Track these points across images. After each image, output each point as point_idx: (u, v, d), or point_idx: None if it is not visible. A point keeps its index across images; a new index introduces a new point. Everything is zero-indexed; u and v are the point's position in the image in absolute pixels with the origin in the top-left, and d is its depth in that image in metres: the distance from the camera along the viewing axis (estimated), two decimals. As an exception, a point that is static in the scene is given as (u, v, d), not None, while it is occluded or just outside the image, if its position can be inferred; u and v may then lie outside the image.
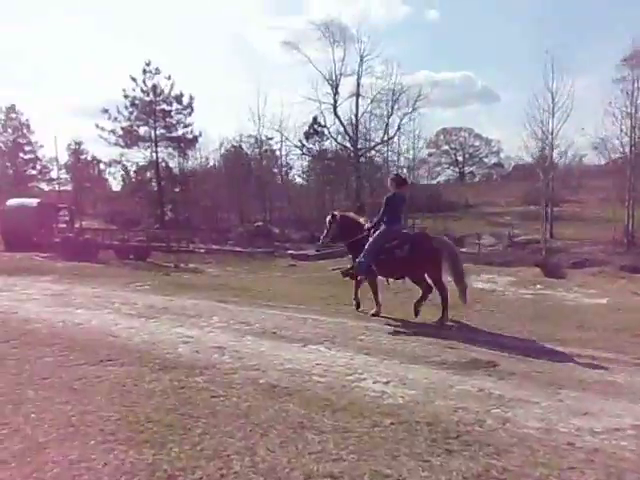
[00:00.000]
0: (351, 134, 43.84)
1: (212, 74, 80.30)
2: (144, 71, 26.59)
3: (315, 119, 43.35)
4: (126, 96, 26.30)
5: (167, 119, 26.96)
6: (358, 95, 43.95)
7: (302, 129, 42.78)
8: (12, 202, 18.23)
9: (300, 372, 4.67)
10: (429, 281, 7.32)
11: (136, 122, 26.96)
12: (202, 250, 17.24)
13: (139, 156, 27.38)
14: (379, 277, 7.83)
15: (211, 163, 43.44)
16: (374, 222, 7.80)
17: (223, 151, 44.39)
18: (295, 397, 4.02)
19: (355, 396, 4.08)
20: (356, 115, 43.50)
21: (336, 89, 43.82)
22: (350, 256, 8.45)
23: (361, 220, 8.29)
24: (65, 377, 4.47)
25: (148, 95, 26.93)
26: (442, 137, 64.46)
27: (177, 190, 28.37)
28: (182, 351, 5.33)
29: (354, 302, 7.92)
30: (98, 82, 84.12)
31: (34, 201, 18.80)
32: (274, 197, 46.88)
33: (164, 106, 27.19)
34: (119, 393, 4.09)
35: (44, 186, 56.02)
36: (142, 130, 27.11)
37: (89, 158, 58.98)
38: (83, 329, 6.21)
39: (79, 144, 57.81)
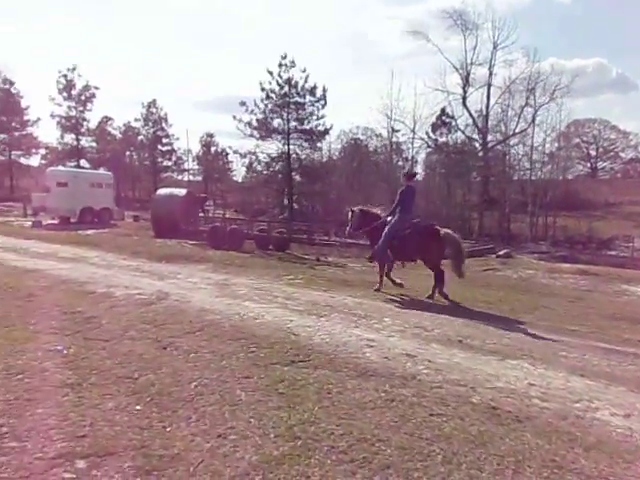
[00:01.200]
0: (480, 126, 42.06)
1: (327, 66, 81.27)
2: (280, 64, 27.19)
3: (443, 110, 42.06)
4: (262, 89, 27.07)
5: (300, 111, 27.32)
6: (490, 85, 42.10)
7: (428, 121, 41.58)
8: (162, 191, 19.40)
9: (515, 393, 4.19)
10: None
11: (270, 114, 27.62)
12: (337, 243, 17.10)
13: (272, 148, 28.08)
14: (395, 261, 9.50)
15: (334, 156, 43.97)
16: (389, 212, 9.22)
17: (342, 144, 44.67)
18: (527, 425, 3.57)
19: (599, 432, 3.53)
20: (487, 106, 41.62)
21: (466, 79, 42.34)
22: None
23: (378, 211, 9.77)
24: (265, 378, 4.35)
25: (282, 88, 27.44)
26: (573, 129, 59.76)
27: (304, 181, 28.70)
28: (370, 356, 5.04)
29: (392, 283, 9.27)
30: (221, 79, 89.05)
31: (183, 191, 19.82)
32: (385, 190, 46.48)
33: (297, 98, 27.56)
34: (329, 402, 3.88)
35: (178, 176, 59.94)
36: (276, 122, 27.75)
37: (219, 150, 62.28)
38: (261, 324, 6.15)
39: (211, 136, 61.16)
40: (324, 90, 27.18)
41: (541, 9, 74.00)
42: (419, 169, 43.55)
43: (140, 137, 56.94)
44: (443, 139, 42.94)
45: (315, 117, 27.36)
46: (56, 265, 10.32)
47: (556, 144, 42.61)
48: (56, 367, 4.41)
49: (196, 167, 62.10)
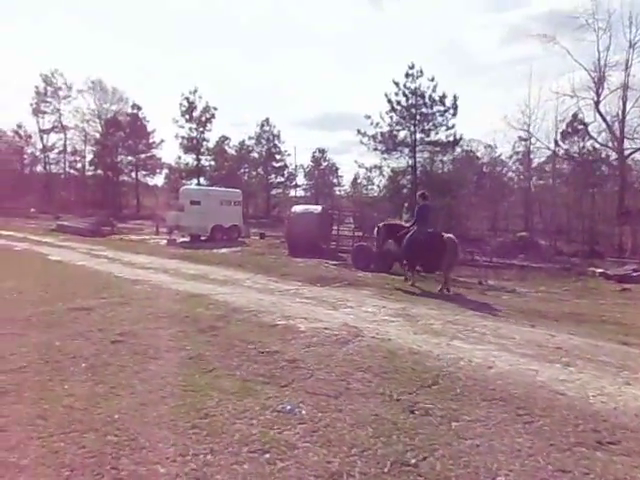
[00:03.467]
0: (616, 132, 38.27)
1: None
2: (407, 74, 26.06)
3: (575, 116, 38.80)
4: (389, 100, 26.05)
5: (428, 122, 25.98)
6: (626, 87, 38.28)
7: (553, 128, 38.60)
8: (297, 208, 18.84)
9: None
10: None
11: (396, 127, 26.54)
12: (487, 263, 15.50)
13: (401, 161, 26.97)
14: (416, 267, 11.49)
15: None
16: (410, 224, 11.37)
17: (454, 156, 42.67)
18: None
19: None
20: (623, 110, 37.82)
21: (600, 82, 38.76)
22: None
23: (402, 222, 12.27)
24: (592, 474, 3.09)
25: (408, 99, 26.30)
26: None
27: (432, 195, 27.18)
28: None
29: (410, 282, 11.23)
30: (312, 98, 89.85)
31: (318, 207, 19.19)
32: (511, 204, 43.57)
33: (424, 109, 26.25)
34: None
35: (289, 192, 60.71)
36: (402, 134, 26.61)
37: (329, 165, 62.42)
38: (502, 376, 4.92)
39: (322, 152, 61.42)
40: (455, 98, 25.67)
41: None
42: (550, 180, 40.43)
43: (253, 154, 58.39)
44: (574, 148, 39.71)
45: (445, 127, 25.89)
46: (215, 289, 9.75)
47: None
48: (302, 440, 3.44)
49: (307, 182, 62.61)
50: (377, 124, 26.28)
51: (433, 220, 12.37)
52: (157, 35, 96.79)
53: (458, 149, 29.19)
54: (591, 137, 39.80)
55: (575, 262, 19.47)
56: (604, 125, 39.49)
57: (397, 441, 3.48)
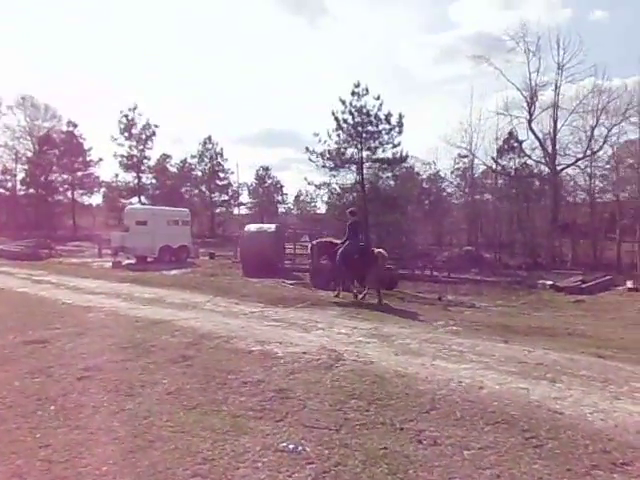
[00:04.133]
0: (548, 149, 40.20)
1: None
2: (352, 92, 26.27)
3: (510, 134, 40.49)
4: (336, 118, 26.13)
5: (374, 140, 26.25)
6: (556, 107, 40.34)
7: (490, 146, 40.31)
8: (251, 227, 18.45)
9: None
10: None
11: (343, 145, 26.65)
12: (443, 279, 15.69)
13: (349, 178, 27.09)
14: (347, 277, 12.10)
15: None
16: (342, 240, 11.98)
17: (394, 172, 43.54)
18: None
19: None
20: (554, 129, 39.79)
21: (532, 101, 40.62)
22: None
23: (334, 240, 12.75)
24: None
25: (354, 117, 26.52)
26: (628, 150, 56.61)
27: (380, 211, 27.41)
28: None
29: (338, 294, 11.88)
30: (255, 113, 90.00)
31: (272, 226, 18.89)
32: (454, 219, 44.90)
33: (370, 127, 26.53)
34: None
35: (234, 210, 59.98)
36: (349, 152, 26.73)
37: (273, 182, 62.16)
38: (494, 396, 4.84)
39: (266, 169, 61.14)
40: (400, 117, 26.05)
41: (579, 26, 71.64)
42: (488, 195, 41.87)
43: (196, 172, 57.39)
44: (511, 164, 41.36)
45: (391, 145, 26.19)
46: (176, 313, 9.31)
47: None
48: (315, 484, 3.19)
49: (251, 200, 61.97)
50: (325, 141, 26.27)
51: (363, 235, 14.08)
52: (86, 52, 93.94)
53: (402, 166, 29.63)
54: (525, 154, 41.74)
55: (523, 275, 20.06)
56: (537, 142, 41.40)
57: (415, 476, 3.29)
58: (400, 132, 26.27)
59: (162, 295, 11.73)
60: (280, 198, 64.19)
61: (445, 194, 46.18)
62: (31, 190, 52.44)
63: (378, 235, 26.91)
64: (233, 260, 21.99)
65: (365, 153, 27.05)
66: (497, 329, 8.36)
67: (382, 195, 27.19)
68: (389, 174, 27.78)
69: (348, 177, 27.46)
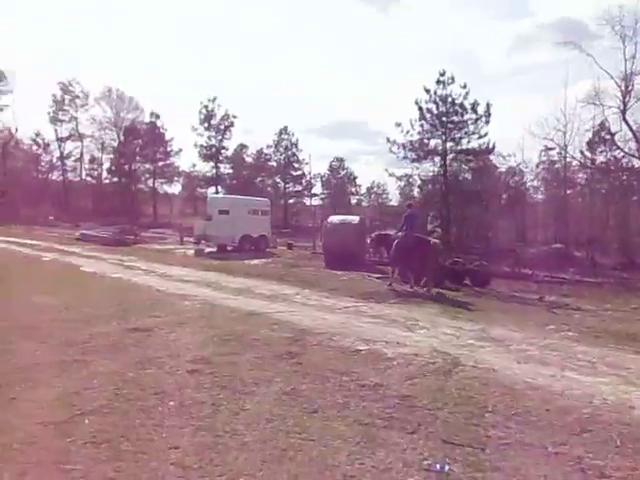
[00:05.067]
0: (643, 142, 37.36)
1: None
2: (437, 81, 25.46)
3: (602, 125, 37.97)
4: (420, 108, 25.44)
5: (459, 130, 25.30)
6: (653, 95, 37.39)
7: (579, 138, 37.79)
8: (334, 219, 18.12)
9: None
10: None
11: (426, 135, 25.89)
12: (542, 278, 14.76)
13: (428, 169, 26.33)
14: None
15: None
16: (397, 230, 12.66)
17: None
18: None
19: None
20: (650, 120, 36.92)
21: (626, 90, 37.86)
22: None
23: (389, 232, 13.47)
24: None
25: (439, 107, 25.67)
26: None
27: (462, 205, 26.40)
28: None
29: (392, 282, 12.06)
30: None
31: (355, 218, 18.53)
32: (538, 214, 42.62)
33: (455, 117, 25.59)
34: None
35: (306, 200, 60.14)
36: (432, 143, 25.94)
37: (348, 174, 61.83)
38: None
39: (340, 160, 60.84)
40: (488, 106, 24.98)
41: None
42: (576, 190, 39.52)
43: (271, 162, 57.89)
44: (601, 157, 38.81)
45: (477, 135, 25.16)
46: (269, 305, 9.14)
47: None
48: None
49: (324, 191, 61.90)
50: (407, 132, 25.60)
51: (420, 226, 14.27)
52: (172, 45, 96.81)
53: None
54: (617, 147, 39.01)
55: (623, 276, 18.64)
56: (630, 134, 38.56)
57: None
58: (487, 122, 25.24)
59: (250, 285, 11.63)
60: (353, 190, 63.81)
61: (525, 188, 44.06)
62: (115, 179, 54.85)
63: (460, 229, 26.00)
64: (312, 251, 21.78)
65: (449, 144, 26.19)
66: (620, 337, 7.56)
67: (464, 187, 26.21)
68: (473, 165, 26.66)
69: (431, 169, 26.66)
